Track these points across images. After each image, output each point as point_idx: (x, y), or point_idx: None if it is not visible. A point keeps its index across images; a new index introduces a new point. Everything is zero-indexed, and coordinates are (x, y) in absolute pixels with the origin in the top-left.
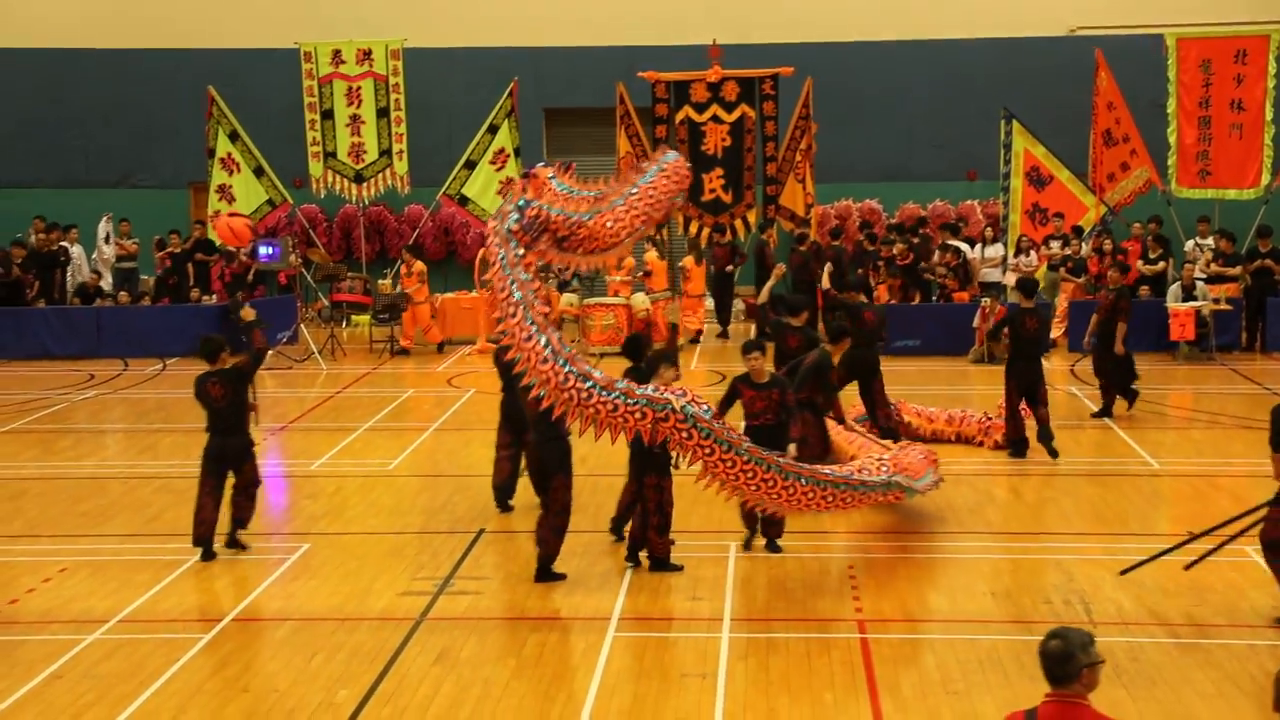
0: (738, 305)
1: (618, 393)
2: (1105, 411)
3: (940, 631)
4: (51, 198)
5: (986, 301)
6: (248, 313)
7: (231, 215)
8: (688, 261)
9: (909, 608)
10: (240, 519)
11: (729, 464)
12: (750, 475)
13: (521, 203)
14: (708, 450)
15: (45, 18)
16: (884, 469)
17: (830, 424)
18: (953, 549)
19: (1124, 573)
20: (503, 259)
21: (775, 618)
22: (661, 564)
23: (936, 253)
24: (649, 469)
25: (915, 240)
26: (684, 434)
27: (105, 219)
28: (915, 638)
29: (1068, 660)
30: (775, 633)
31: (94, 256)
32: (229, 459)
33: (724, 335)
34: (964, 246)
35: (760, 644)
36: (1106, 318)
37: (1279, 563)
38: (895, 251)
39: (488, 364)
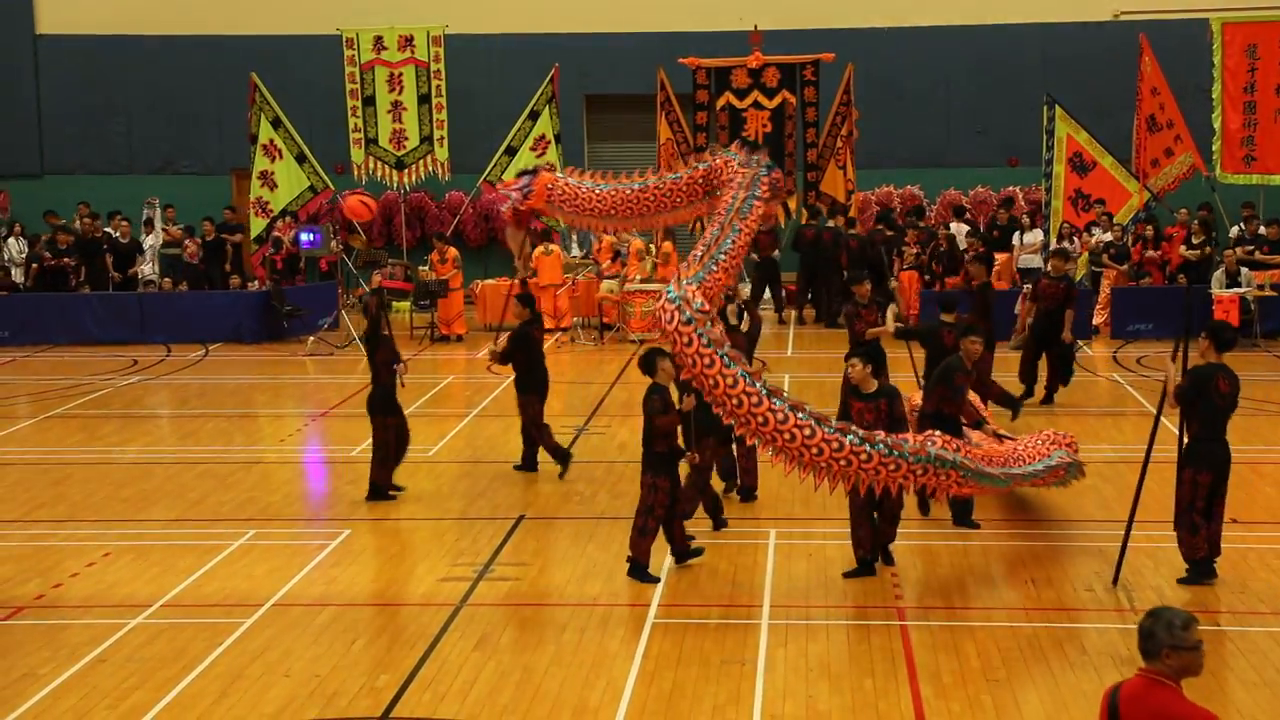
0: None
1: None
2: (1040, 396)
3: (981, 619)
4: (96, 184)
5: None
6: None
7: (351, 193)
8: (667, 246)
9: (949, 595)
10: (371, 479)
11: (725, 381)
12: (749, 399)
13: (770, 163)
14: (707, 362)
15: (89, 6)
16: (951, 445)
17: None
18: (994, 535)
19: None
20: (741, 202)
21: (815, 604)
22: (636, 568)
23: (965, 240)
24: (648, 467)
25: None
26: (685, 340)
27: (148, 204)
28: (956, 625)
29: (1148, 637)
30: (815, 620)
31: (147, 244)
32: (370, 408)
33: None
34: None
35: (799, 631)
36: (1055, 307)
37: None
38: (909, 239)
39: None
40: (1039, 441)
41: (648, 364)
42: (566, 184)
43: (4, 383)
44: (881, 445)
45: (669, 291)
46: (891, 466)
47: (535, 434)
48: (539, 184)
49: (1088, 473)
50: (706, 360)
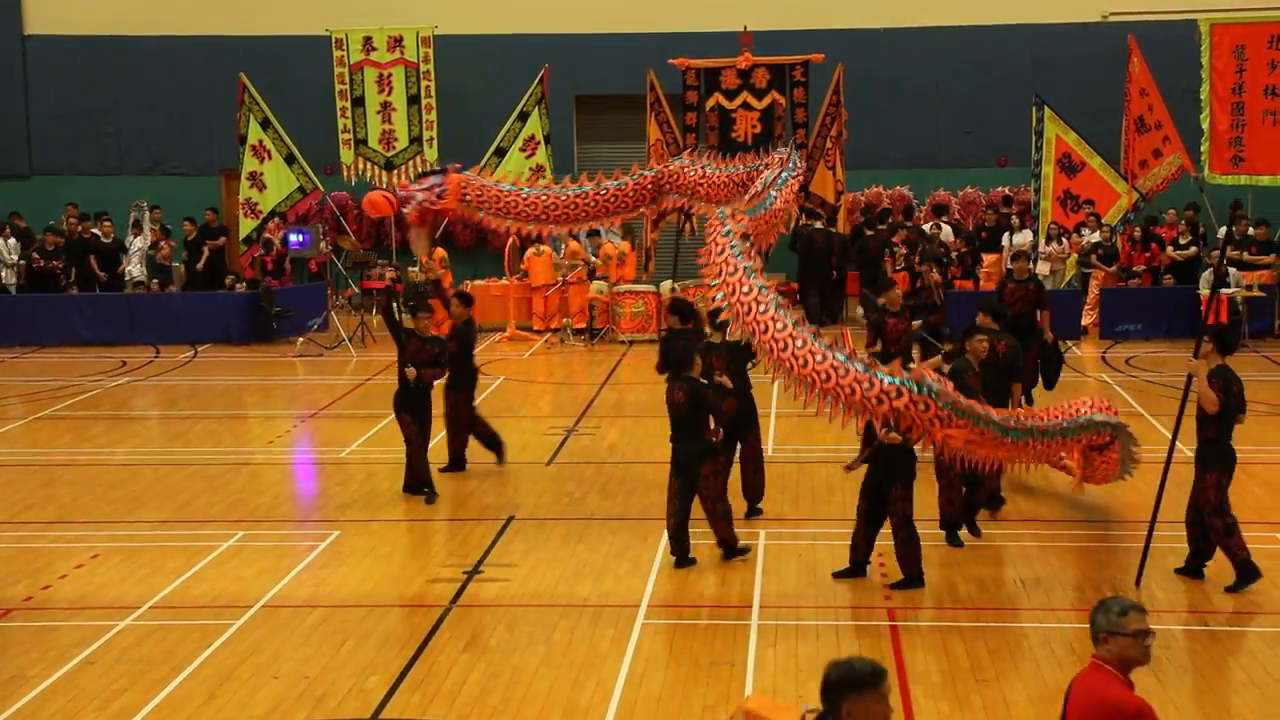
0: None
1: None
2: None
3: (969, 620)
4: (85, 185)
5: None
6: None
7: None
8: (624, 245)
9: (938, 595)
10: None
11: (742, 289)
12: (758, 307)
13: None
14: (731, 269)
15: (78, 6)
16: (937, 378)
17: None
18: (984, 537)
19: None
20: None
21: (804, 605)
22: (731, 550)
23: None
24: (706, 454)
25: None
26: (719, 249)
27: (135, 206)
28: (945, 625)
29: (1091, 623)
30: (804, 620)
31: (135, 246)
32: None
33: None
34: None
35: (789, 631)
36: (1026, 310)
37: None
38: (897, 240)
39: (517, 350)
40: (1069, 405)
41: (684, 353)
42: (482, 185)
43: None
44: (860, 364)
45: (720, 211)
46: (866, 384)
47: (456, 430)
48: (451, 184)
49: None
50: (731, 268)
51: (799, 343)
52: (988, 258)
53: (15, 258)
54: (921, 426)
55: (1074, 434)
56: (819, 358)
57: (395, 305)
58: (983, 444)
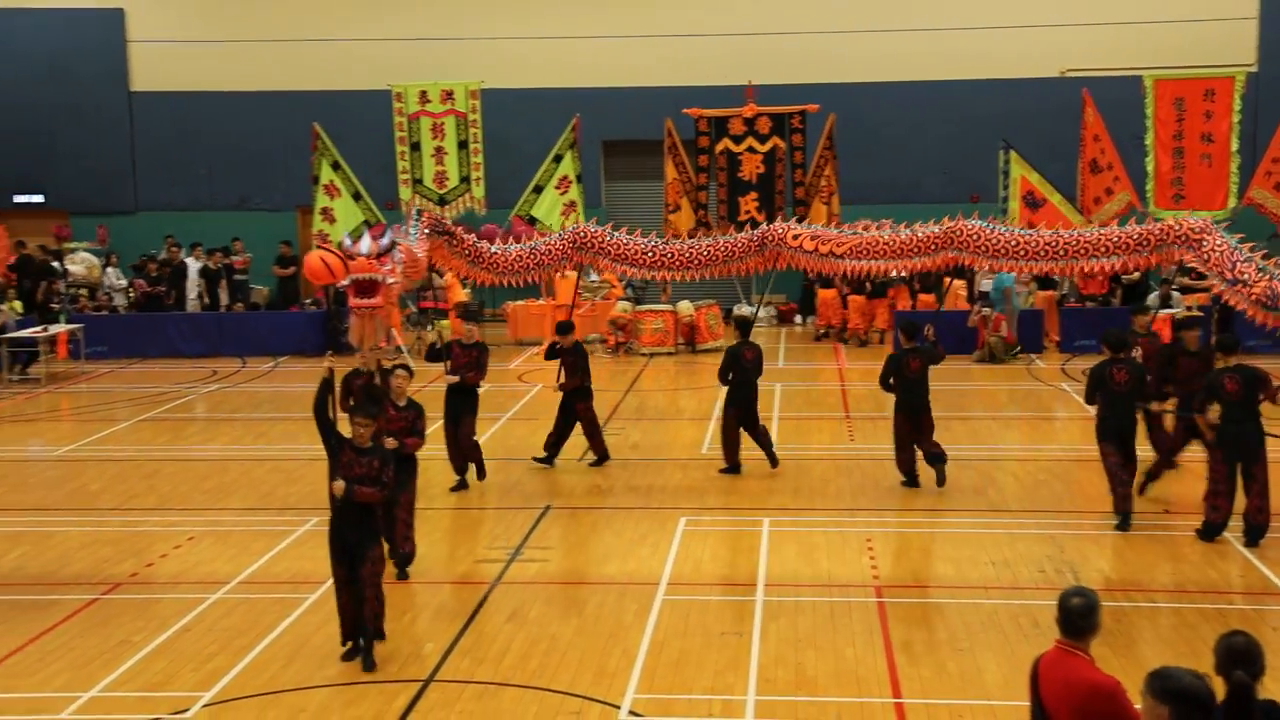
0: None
1: None
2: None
3: (947, 596)
4: (180, 219)
5: (984, 309)
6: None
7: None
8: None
9: (920, 575)
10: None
11: None
12: None
13: None
14: None
15: (176, 66)
16: None
17: None
18: (958, 524)
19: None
20: None
21: (803, 583)
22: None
23: None
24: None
25: None
26: None
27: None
28: (925, 602)
29: (1088, 614)
30: (803, 596)
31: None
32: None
33: None
34: None
35: (789, 606)
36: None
37: None
38: None
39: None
40: None
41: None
42: (604, 235)
43: (104, 390)
44: None
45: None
46: None
47: (598, 431)
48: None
49: (1042, 470)
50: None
51: None
52: (957, 282)
53: (121, 284)
54: None
55: None
56: None
57: (329, 396)
58: None
